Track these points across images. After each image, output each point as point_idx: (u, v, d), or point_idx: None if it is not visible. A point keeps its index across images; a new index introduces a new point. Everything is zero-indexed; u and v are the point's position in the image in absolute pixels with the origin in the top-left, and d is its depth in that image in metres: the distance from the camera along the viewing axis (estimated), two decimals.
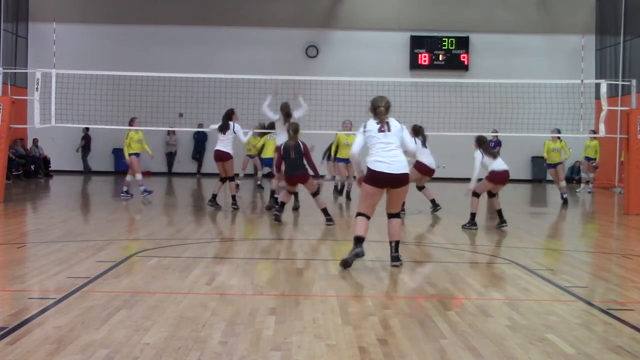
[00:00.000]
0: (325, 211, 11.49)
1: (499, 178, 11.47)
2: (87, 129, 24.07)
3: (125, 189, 15.59)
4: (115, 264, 7.36)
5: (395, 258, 7.68)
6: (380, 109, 7.74)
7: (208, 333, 4.88)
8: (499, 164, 11.43)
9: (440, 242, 9.77)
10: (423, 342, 4.81)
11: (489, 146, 11.80)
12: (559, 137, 16.94)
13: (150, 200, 14.93)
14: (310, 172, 11.60)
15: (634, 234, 11.18)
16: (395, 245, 7.72)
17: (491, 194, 11.74)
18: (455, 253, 8.96)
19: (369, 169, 7.50)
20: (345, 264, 7.40)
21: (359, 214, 7.65)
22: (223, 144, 13.58)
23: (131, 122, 15.84)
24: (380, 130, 7.60)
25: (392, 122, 7.71)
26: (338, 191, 16.76)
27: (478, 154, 11.47)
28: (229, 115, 13.69)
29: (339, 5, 26.07)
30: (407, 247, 9.51)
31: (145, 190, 15.35)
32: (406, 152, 7.80)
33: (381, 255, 8.46)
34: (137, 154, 15.59)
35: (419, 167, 12.81)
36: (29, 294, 6.05)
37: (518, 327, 5.22)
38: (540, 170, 26.35)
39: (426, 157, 12.94)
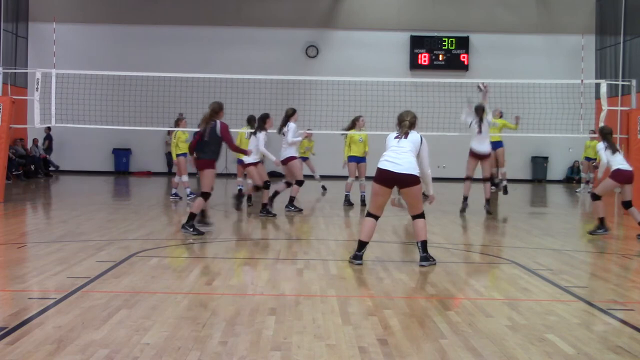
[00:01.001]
0: (202, 214, 10.36)
1: (623, 178, 10.63)
2: (49, 128, 23.87)
3: (174, 190, 15.60)
4: (115, 264, 7.37)
5: (423, 258, 7.72)
6: (404, 123, 7.83)
7: (208, 333, 4.88)
8: (621, 162, 10.67)
9: (440, 242, 9.77)
10: (423, 342, 4.81)
11: (612, 139, 10.90)
12: (500, 115, 16.77)
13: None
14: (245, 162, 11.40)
15: (634, 234, 11.15)
16: (421, 246, 7.73)
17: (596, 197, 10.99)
18: (455, 253, 8.96)
19: (377, 168, 7.63)
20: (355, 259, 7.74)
21: (367, 214, 7.79)
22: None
23: (178, 123, 15.48)
24: (395, 137, 7.74)
25: (413, 134, 7.78)
26: (348, 202, 15.00)
27: (601, 146, 10.77)
28: (289, 117, 13.05)
29: (339, 5, 26.08)
30: (408, 247, 9.51)
31: (191, 193, 15.27)
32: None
33: (381, 256, 8.46)
34: (184, 154, 15.12)
35: None
36: (29, 294, 6.06)
37: (518, 327, 5.22)
38: (540, 170, 26.41)
39: None
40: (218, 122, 10.06)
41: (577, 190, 20.72)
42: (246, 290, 6.34)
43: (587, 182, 20.50)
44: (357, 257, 7.77)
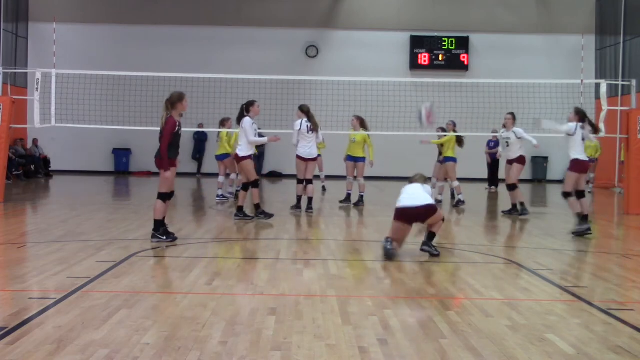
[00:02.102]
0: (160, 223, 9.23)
1: (582, 167, 10.78)
2: None
3: (219, 192, 15.61)
4: (115, 264, 7.36)
5: (425, 243, 8.39)
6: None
7: (208, 333, 4.88)
8: (581, 152, 10.76)
9: (440, 242, 9.76)
10: (423, 342, 4.81)
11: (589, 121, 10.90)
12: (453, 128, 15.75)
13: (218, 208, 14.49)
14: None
15: (634, 234, 11.17)
16: (430, 235, 8.36)
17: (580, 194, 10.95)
18: (455, 253, 8.95)
19: (396, 208, 8.39)
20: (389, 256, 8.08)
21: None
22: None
23: (224, 123, 15.30)
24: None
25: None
26: (347, 200, 14.99)
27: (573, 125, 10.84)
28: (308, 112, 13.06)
29: (339, 5, 26.08)
30: (408, 247, 9.51)
31: (222, 196, 15.35)
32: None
33: (381, 256, 8.46)
34: (227, 155, 15.07)
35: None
36: (29, 294, 6.05)
37: (518, 327, 5.22)
38: (540, 170, 26.40)
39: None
40: (168, 116, 8.95)
41: None
42: (246, 290, 6.34)
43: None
44: (427, 245, 8.34)
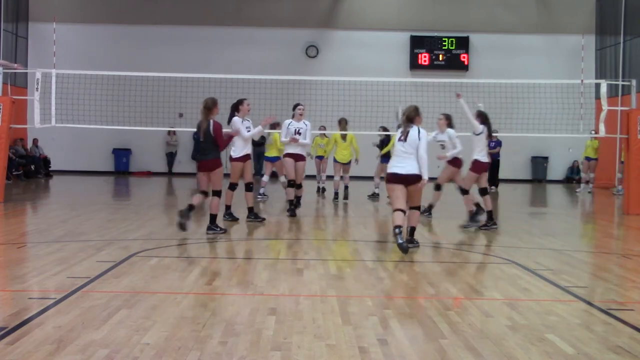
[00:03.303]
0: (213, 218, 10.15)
1: (481, 168, 11.18)
2: None
3: (262, 190, 15.86)
4: (115, 264, 7.36)
5: (409, 241, 8.70)
6: (403, 118, 8.81)
7: (208, 333, 4.88)
8: (479, 153, 11.16)
9: (441, 242, 9.77)
10: (423, 342, 4.81)
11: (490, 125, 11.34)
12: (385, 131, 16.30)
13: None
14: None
15: (634, 234, 11.18)
16: (410, 230, 8.85)
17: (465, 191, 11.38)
18: (455, 253, 8.95)
19: (388, 172, 8.79)
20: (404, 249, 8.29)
21: (395, 210, 8.58)
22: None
23: (275, 126, 15.44)
24: (399, 140, 8.67)
25: (412, 133, 8.62)
26: (336, 196, 16.03)
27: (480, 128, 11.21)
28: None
29: (339, 5, 26.08)
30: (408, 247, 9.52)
31: (263, 194, 15.66)
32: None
33: (381, 255, 8.47)
34: (278, 157, 15.22)
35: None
36: (29, 294, 6.05)
37: (518, 327, 5.22)
38: (540, 170, 26.41)
39: None
40: (211, 121, 9.97)
41: (577, 190, 20.71)
42: (246, 290, 6.34)
43: (587, 182, 20.50)
44: (410, 241, 8.74)
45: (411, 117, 8.65)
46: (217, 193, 10.06)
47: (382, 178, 16.51)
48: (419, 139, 8.53)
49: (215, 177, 9.97)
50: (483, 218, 11.20)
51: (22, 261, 7.70)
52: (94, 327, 4.93)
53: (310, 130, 12.76)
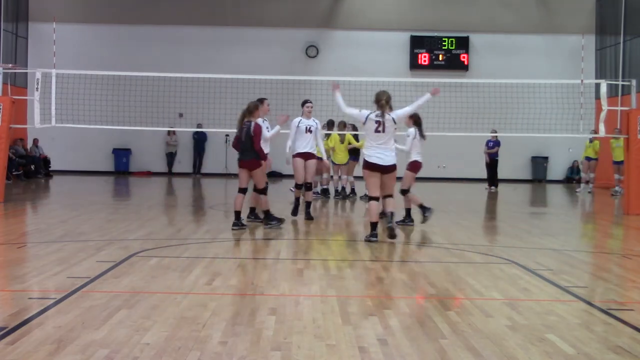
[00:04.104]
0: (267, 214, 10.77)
1: (418, 168, 11.44)
2: None
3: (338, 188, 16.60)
4: (115, 264, 7.36)
5: (391, 221, 9.41)
6: (381, 103, 9.57)
7: (208, 333, 4.88)
8: (417, 154, 11.40)
9: (441, 242, 9.77)
10: (423, 342, 4.81)
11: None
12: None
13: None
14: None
15: (634, 234, 11.18)
16: (391, 215, 9.47)
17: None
18: (455, 253, 8.95)
19: (367, 161, 9.49)
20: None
21: (370, 199, 9.51)
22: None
23: (330, 127, 16.40)
24: (376, 132, 9.43)
25: (388, 122, 9.44)
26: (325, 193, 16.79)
27: (412, 132, 11.39)
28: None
29: (339, 5, 26.08)
30: (408, 247, 9.52)
31: (316, 192, 16.02)
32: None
33: (381, 256, 8.47)
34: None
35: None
36: (29, 294, 6.05)
37: (518, 327, 5.22)
38: (540, 170, 26.42)
39: None
40: (252, 122, 10.38)
41: (577, 190, 20.72)
42: (246, 290, 6.34)
43: (587, 182, 20.50)
44: (373, 235, 9.40)
45: (388, 101, 9.58)
46: (262, 191, 10.64)
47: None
48: (395, 123, 9.47)
49: (257, 176, 10.51)
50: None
51: (22, 261, 7.69)
52: (94, 327, 4.93)
53: (320, 130, 12.54)
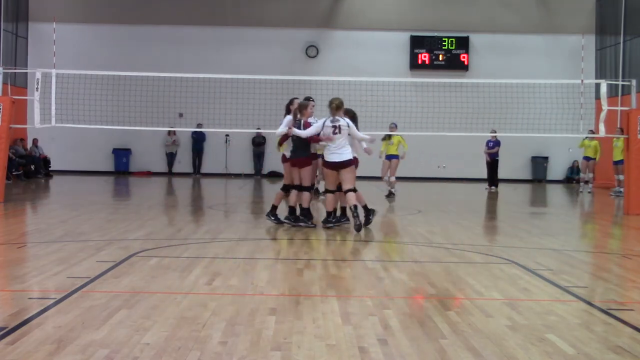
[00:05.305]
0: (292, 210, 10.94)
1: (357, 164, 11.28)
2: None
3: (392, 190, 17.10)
4: (115, 264, 7.36)
5: (367, 216, 10.69)
6: (332, 106, 10.49)
7: (208, 333, 4.88)
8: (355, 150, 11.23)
9: (441, 242, 9.77)
10: (423, 342, 4.81)
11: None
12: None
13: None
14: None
15: (634, 234, 11.17)
16: (364, 207, 10.74)
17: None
18: (455, 253, 8.95)
19: (325, 161, 10.54)
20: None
21: (326, 191, 10.66)
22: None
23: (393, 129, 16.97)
24: (334, 133, 10.32)
25: (343, 127, 10.37)
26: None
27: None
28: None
29: (339, 5, 26.09)
30: (408, 247, 9.52)
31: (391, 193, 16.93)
32: None
33: (381, 255, 8.47)
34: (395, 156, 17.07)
35: None
36: (29, 294, 6.05)
37: (518, 327, 5.22)
38: (540, 170, 26.42)
39: None
40: (302, 120, 10.64)
41: (580, 190, 20.70)
42: (246, 290, 6.34)
43: (587, 182, 20.50)
44: (326, 221, 10.65)
45: (340, 105, 10.48)
46: (307, 188, 10.90)
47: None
48: (349, 127, 10.36)
49: (305, 173, 10.82)
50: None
51: (22, 261, 7.69)
52: (94, 327, 4.93)
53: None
